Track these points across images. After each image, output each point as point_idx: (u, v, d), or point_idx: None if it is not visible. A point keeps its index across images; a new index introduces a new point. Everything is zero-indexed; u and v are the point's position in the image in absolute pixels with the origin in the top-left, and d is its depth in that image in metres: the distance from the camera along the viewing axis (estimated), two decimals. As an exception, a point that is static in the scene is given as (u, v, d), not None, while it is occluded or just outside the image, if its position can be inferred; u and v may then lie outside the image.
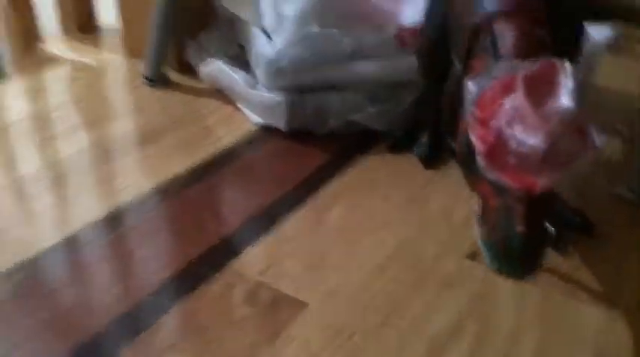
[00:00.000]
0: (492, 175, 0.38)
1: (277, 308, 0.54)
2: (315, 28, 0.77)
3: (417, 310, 0.54)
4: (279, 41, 0.78)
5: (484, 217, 0.44)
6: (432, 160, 0.74)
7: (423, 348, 0.50)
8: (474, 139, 0.39)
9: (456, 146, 0.52)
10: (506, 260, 0.42)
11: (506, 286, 0.57)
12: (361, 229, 0.64)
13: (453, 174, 0.72)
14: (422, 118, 0.76)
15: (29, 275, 0.57)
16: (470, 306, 0.55)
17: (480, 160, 0.39)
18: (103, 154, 0.78)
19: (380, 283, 0.57)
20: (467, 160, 0.50)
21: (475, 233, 0.47)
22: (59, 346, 0.50)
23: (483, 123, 0.38)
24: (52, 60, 1.04)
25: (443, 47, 0.65)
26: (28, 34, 1.20)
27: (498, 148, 0.38)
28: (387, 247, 0.62)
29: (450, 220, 0.66)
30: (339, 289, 0.56)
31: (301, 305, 0.54)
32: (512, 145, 0.37)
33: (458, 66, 0.56)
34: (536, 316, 0.54)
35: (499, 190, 0.40)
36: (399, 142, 0.77)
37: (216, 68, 0.88)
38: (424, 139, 0.75)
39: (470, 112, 0.40)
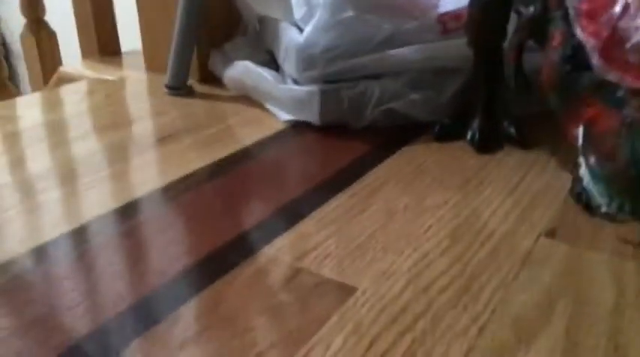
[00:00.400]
0: (612, 75, 0.30)
1: (321, 294, 0.45)
2: (349, 13, 0.71)
3: (492, 291, 0.44)
4: (310, 28, 0.72)
5: (592, 145, 0.35)
6: (487, 145, 0.65)
7: (509, 332, 0.40)
8: (582, 36, 0.31)
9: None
10: (634, 193, 0.32)
11: (596, 259, 0.47)
12: (413, 210, 0.55)
13: (511, 158, 0.64)
14: (472, 102, 0.68)
15: (33, 264, 0.49)
16: (557, 284, 0.44)
17: (595, 61, 0.30)
18: (118, 154, 0.71)
19: (442, 263, 0.47)
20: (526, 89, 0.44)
21: (579, 174, 0.37)
22: (62, 337, 0.41)
23: (592, 16, 0.30)
24: (71, 78, 1.00)
25: (497, 15, 0.58)
26: (48, 58, 1.18)
27: (616, 42, 0.29)
28: (445, 226, 0.52)
29: (516, 198, 0.56)
30: (393, 271, 0.47)
31: (349, 290, 0.45)
32: (633, 37, 0.29)
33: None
34: (638, 291, 0.44)
35: (616, 102, 0.31)
36: (447, 130, 0.69)
37: (241, 68, 0.82)
38: (475, 123, 0.67)
39: (572, 7, 0.32)
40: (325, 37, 0.71)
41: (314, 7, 0.74)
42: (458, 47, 0.68)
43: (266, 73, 0.79)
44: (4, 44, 2.23)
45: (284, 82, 0.77)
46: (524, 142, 0.62)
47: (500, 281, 0.45)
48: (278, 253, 0.50)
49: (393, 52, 0.71)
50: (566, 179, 0.59)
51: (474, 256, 0.48)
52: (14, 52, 2.17)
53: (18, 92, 1.41)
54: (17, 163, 0.70)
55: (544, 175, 0.61)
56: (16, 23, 1.79)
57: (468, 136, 0.67)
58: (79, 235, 0.53)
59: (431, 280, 0.45)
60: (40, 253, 0.51)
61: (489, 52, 0.63)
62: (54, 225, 0.55)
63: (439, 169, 0.63)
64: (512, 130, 0.65)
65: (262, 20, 0.89)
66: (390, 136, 0.71)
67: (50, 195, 0.61)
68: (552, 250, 0.49)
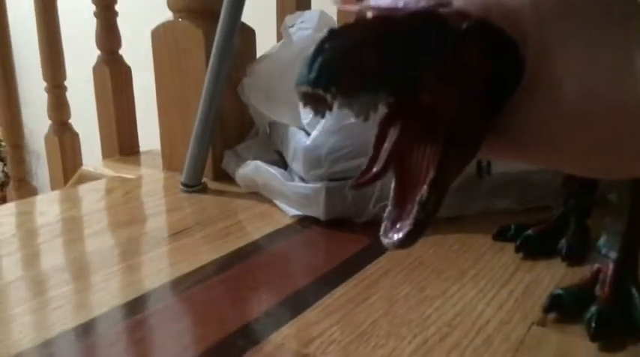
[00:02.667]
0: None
1: (325, 379, 0.47)
2: (352, 119, 0.78)
3: (487, 376, 0.46)
4: (316, 132, 0.79)
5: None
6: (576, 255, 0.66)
7: (502, 414, 0.42)
8: None
9: None
10: None
11: (585, 346, 0.49)
12: (413, 299, 0.58)
13: (505, 252, 0.68)
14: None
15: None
16: (549, 369, 0.47)
17: None
18: (132, 248, 0.75)
19: (441, 350, 0.50)
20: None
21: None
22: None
23: None
24: (91, 177, 1.06)
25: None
26: (70, 158, 1.25)
27: None
28: (444, 315, 0.55)
29: (511, 288, 0.59)
30: (394, 357, 0.49)
31: (352, 374, 0.47)
32: None
33: None
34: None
35: None
36: (532, 242, 0.68)
37: (252, 167, 0.88)
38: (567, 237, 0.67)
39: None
40: (330, 139, 0.77)
41: (320, 112, 0.81)
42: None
43: (275, 172, 0.84)
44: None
45: (292, 180, 0.82)
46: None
47: (496, 367, 0.47)
48: (284, 340, 0.52)
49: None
50: (556, 271, 0.63)
51: (470, 343, 0.51)
52: (30, 151, 2.26)
53: (36, 190, 1.48)
54: (33, 258, 0.74)
55: (536, 268, 0.64)
56: (34, 124, 1.89)
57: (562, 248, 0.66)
58: (89, 328, 0.56)
59: (430, 366, 0.48)
60: (49, 346, 0.53)
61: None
62: (64, 319, 0.57)
63: (438, 261, 0.67)
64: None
65: (272, 124, 0.96)
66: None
67: (62, 289, 0.64)
68: (543, 338, 0.51)
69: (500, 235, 0.71)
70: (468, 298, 0.58)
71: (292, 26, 0.92)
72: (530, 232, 0.68)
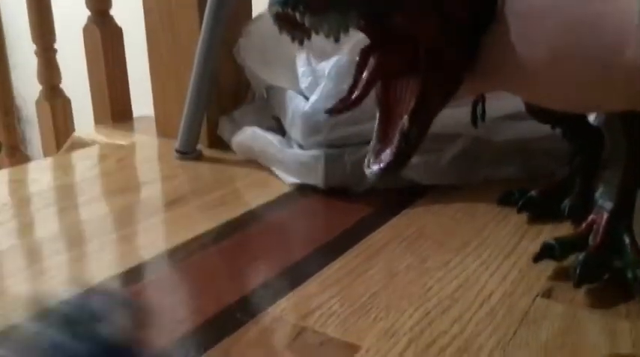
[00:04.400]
0: None
1: (325, 352, 0.46)
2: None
3: (490, 350, 0.45)
4: (315, 96, 0.76)
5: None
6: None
7: (507, 389, 0.41)
8: None
9: None
10: None
11: (591, 318, 0.48)
12: (414, 271, 0.57)
13: (508, 221, 0.67)
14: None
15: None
16: (554, 343, 0.46)
17: None
18: (125, 217, 0.74)
19: (443, 323, 0.49)
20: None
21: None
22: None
23: None
24: (83, 144, 1.04)
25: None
26: (61, 124, 1.22)
27: None
28: (446, 287, 0.54)
29: (515, 259, 0.58)
30: (395, 330, 0.48)
31: (353, 348, 0.46)
32: None
33: None
34: (632, 350, 0.45)
35: None
36: (534, 203, 0.67)
37: (249, 134, 0.86)
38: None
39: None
40: (329, 104, 0.75)
41: (319, 77, 0.78)
42: (454, 116, 0.72)
43: (273, 138, 0.82)
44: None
45: (290, 147, 0.80)
46: None
47: (499, 340, 0.46)
48: (283, 312, 0.51)
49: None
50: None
51: (473, 315, 0.50)
52: (23, 118, 2.23)
53: (28, 158, 1.46)
54: (27, 226, 0.73)
55: (540, 238, 0.63)
56: (26, 89, 1.86)
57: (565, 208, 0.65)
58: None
59: (432, 339, 0.47)
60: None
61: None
62: (61, 288, 0.57)
63: (440, 232, 0.65)
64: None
65: (270, 88, 0.93)
66: (391, 199, 0.73)
67: (58, 258, 0.63)
68: (549, 310, 0.50)
69: (505, 200, 0.70)
70: (470, 269, 0.57)
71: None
72: (533, 193, 0.67)
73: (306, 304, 0.52)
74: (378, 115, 0.35)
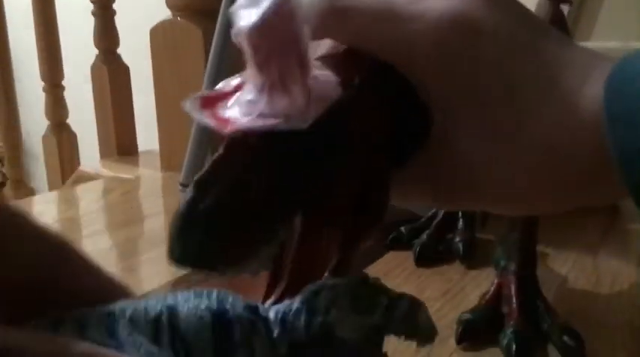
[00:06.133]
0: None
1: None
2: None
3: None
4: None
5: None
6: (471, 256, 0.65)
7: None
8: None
9: None
10: None
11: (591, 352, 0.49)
12: (414, 301, 0.58)
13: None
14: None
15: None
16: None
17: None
18: (129, 250, 0.75)
19: (442, 354, 0.49)
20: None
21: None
22: None
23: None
24: (88, 178, 1.05)
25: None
26: (67, 158, 1.24)
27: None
28: (444, 317, 0.54)
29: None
30: (395, 359, 0.49)
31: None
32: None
33: None
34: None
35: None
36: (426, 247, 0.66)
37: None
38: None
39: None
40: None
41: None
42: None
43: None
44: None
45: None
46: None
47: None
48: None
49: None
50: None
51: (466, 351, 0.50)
52: (27, 152, 2.26)
53: (32, 191, 1.47)
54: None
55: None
56: (31, 125, 1.89)
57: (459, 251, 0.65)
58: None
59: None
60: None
61: None
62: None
63: (438, 261, 0.66)
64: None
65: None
66: (392, 229, 0.74)
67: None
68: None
69: (394, 241, 0.69)
70: (470, 299, 0.58)
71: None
72: (424, 238, 0.66)
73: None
74: (287, 275, 0.26)
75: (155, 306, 0.22)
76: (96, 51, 1.16)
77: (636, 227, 0.70)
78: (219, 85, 0.27)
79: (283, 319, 0.23)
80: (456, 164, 0.27)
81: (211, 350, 0.22)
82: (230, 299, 0.24)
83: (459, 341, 0.50)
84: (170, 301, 0.22)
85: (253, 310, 0.24)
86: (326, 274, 0.25)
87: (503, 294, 0.51)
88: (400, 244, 0.68)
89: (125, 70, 1.17)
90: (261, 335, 0.23)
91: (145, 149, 1.19)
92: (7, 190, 1.45)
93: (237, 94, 0.25)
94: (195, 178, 0.23)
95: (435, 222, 0.67)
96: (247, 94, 0.24)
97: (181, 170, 0.95)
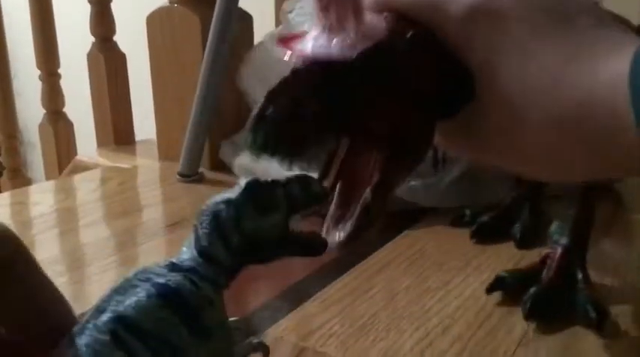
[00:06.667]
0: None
1: (325, 373, 0.46)
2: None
3: (491, 369, 0.45)
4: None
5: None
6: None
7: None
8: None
9: None
10: None
11: (591, 339, 0.48)
12: (414, 291, 0.57)
13: (509, 243, 0.67)
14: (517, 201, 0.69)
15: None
16: (554, 362, 0.46)
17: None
18: (126, 240, 0.74)
19: (443, 343, 0.49)
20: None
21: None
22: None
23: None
24: (85, 167, 1.04)
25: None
26: (64, 147, 1.23)
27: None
28: (445, 307, 0.54)
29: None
30: (395, 350, 0.48)
31: (353, 368, 0.46)
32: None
33: None
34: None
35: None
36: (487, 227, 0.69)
37: (250, 157, 0.86)
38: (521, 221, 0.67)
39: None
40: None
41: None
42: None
43: (274, 160, 0.83)
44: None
45: (291, 169, 0.81)
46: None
47: (500, 360, 0.47)
48: (283, 333, 0.51)
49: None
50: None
51: (472, 336, 0.50)
52: (24, 141, 2.25)
53: (29, 180, 1.46)
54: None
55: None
56: (28, 113, 1.88)
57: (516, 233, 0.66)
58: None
59: (433, 359, 0.47)
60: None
61: None
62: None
63: (440, 252, 0.66)
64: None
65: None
66: (392, 219, 0.74)
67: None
68: (547, 331, 0.50)
69: (457, 222, 0.72)
70: (470, 289, 0.57)
71: (291, 12, 0.90)
72: (485, 218, 0.69)
73: (307, 324, 0.52)
74: (340, 183, 0.33)
75: (101, 328, 0.26)
76: (92, 39, 1.15)
77: (639, 218, 0.70)
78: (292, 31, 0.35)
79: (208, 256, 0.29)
80: (493, 121, 0.31)
81: (179, 322, 0.27)
82: (152, 269, 0.29)
83: (487, 290, 0.55)
84: (108, 312, 0.27)
85: (175, 266, 0.29)
86: (368, 190, 0.31)
87: (547, 263, 0.53)
88: (462, 223, 0.71)
89: (122, 57, 1.16)
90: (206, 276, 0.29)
91: (143, 138, 1.18)
92: (4, 180, 1.44)
93: (307, 34, 0.32)
94: (268, 89, 0.30)
95: (501, 205, 0.70)
96: (313, 33, 0.31)
97: (179, 160, 0.94)
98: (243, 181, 0.31)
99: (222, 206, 0.30)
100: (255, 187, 0.30)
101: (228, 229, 0.29)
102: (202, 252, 0.29)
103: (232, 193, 0.30)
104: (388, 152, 0.31)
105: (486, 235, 0.67)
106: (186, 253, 0.29)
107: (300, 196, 0.31)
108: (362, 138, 0.32)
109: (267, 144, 0.30)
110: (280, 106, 0.29)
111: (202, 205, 0.32)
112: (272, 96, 0.30)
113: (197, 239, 0.29)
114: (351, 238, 0.32)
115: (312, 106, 0.29)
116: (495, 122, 0.31)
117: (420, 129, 0.32)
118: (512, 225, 0.67)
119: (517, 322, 0.51)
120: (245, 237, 0.29)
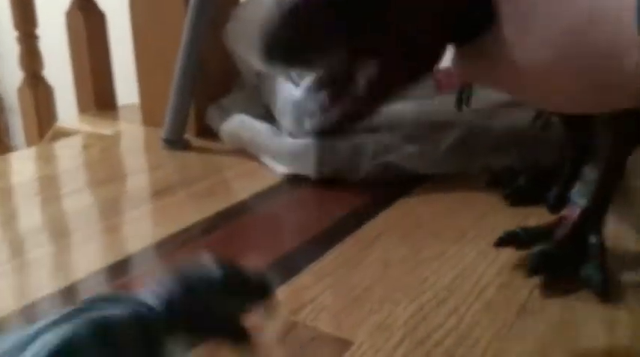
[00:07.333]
0: None
1: (316, 349, 0.44)
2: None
3: (487, 343, 0.44)
4: (306, 83, 0.74)
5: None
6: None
7: (505, 384, 0.40)
8: None
9: None
10: None
11: (588, 309, 0.47)
12: (409, 262, 0.56)
13: (507, 210, 0.65)
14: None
15: (21, 324, 0.49)
16: (551, 334, 0.45)
17: None
18: (110, 208, 0.71)
19: (439, 315, 0.47)
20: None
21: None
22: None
23: None
24: (67, 133, 1.01)
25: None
26: (44, 112, 1.19)
27: None
28: (442, 278, 0.52)
29: (511, 251, 0.56)
30: (389, 324, 0.46)
31: (345, 344, 0.44)
32: None
33: None
34: (630, 341, 0.44)
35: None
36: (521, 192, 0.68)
37: (238, 122, 0.84)
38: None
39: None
40: (319, 92, 0.73)
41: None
42: (449, 105, 0.70)
43: (262, 127, 0.80)
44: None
45: (280, 135, 0.78)
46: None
47: (496, 333, 0.45)
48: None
49: (389, 106, 0.73)
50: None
51: (469, 308, 0.48)
52: (6, 107, 2.19)
53: (11, 148, 1.42)
54: (10, 218, 0.70)
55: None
56: (9, 78, 1.82)
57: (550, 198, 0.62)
58: (70, 293, 0.53)
59: (427, 333, 0.45)
60: (31, 310, 0.50)
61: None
62: (44, 282, 0.55)
63: (436, 222, 0.64)
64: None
65: (260, 75, 0.91)
66: (386, 188, 0.72)
67: (41, 251, 0.61)
68: (546, 302, 0.49)
69: (493, 182, 0.71)
70: (467, 260, 0.55)
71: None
72: (520, 180, 0.68)
73: (298, 297, 0.51)
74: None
75: None
76: (71, -3, 1.10)
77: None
78: None
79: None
80: (503, 37, 0.31)
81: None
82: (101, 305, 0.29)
83: (497, 244, 0.55)
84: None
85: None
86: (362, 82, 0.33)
87: (563, 223, 0.53)
88: (497, 185, 0.70)
89: (101, 17, 1.11)
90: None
91: (125, 103, 1.14)
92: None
93: None
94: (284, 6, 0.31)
95: (538, 170, 0.68)
96: None
97: (163, 125, 0.91)
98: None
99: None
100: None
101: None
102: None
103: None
104: (396, 52, 0.32)
105: (521, 198, 0.66)
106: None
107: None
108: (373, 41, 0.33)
109: (278, 54, 0.31)
110: (297, 18, 0.31)
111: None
112: (290, 11, 0.31)
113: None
114: (330, 126, 0.35)
115: (323, 18, 0.31)
116: (505, 37, 0.31)
117: (433, 37, 0.33)
118: (549, 190, 0.64)
119: (515, 294, 0.50)
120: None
